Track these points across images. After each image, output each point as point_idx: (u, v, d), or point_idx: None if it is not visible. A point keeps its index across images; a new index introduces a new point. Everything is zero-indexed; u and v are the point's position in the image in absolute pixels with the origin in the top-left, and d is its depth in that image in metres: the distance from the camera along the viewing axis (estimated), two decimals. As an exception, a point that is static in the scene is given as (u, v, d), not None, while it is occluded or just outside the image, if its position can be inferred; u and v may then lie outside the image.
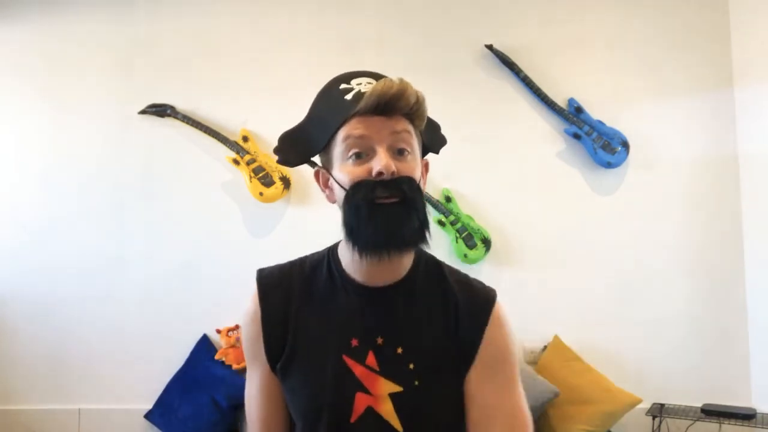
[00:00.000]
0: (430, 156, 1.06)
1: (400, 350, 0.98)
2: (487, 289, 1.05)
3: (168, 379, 2.78)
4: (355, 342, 0.98)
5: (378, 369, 0.97)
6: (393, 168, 0.90)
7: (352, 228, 0.92)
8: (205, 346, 2.81)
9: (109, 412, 2.84)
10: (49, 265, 2.90)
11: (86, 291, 2.88)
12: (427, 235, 0.94)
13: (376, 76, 0.96)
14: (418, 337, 0.99)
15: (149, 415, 2.76)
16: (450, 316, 1.00)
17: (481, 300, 1.02)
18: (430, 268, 1.05)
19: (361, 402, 0.96)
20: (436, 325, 1.00)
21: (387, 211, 0.90)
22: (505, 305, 1.03)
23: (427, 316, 1.00)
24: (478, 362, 0.99)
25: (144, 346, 2.85)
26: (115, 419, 2.82)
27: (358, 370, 0.96)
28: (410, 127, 0.94)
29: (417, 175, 0.94)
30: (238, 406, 2.64)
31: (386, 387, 0.96)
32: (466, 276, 1.07)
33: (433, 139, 1.04)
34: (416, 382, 0.96)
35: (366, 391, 0.96)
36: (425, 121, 0.97)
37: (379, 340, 0.98)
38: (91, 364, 2.86)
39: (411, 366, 0.97)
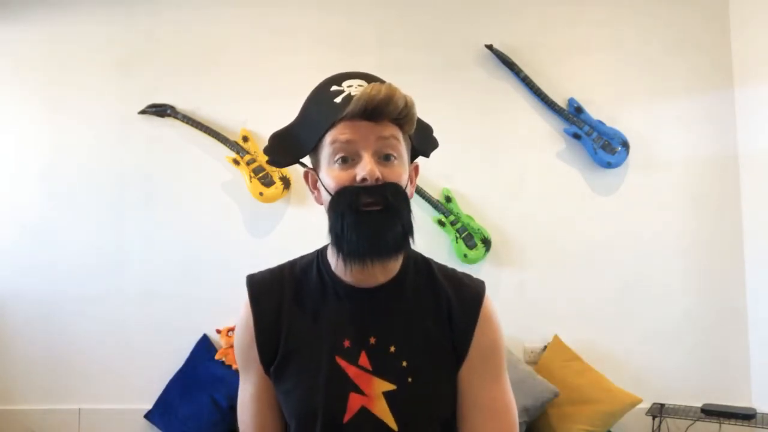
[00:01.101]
0: (429, 155, 1.06)
1: (392, 349, 0.98)
2: (475, 282, 1.06)
3: (168, 379, 2.78)
4: (347, 343, 0.98)
5: (371, 369, 0.97)
6: (377, 174, 0.90)
7: (337, 235, 0.93)
8: (205, 346, 2.81)
9: (109, 412, 2.84)
10: (48, 264, 2.90)
11: (86, 291, 2.88)
12: (411, 240, 0.95)
13: (369, 78, 0.96)
14: (410, 334, 0.99)
15: (149, 415, 2.76)
16: (442, 313, 1.01)
17: (472, 295, 1.03)
18: (420, 266, 1.06)
19: (354, 402, 0.96)
20: (427, 321, 1.01)
21: (370, 219, 0.91)
22: (491, 297, 1.04)
23: (418, 314, 1.01)
24: (470, 356, 1.00)
25: (144, 346, 2.85)
26: (115, 419, 2.82)
27: (351, 370, 0.97)
28: (398, 133, 0.94)
29: (403, 180, 0.95)
30: (237, 406, 2.65)
31: (380, 386, 0.96)
32: (454, 271, 1.08)
33: (423, 143, 1.04)
34: (410, 379, 0.97)
35: (360, 392, 0.96)
36: (414, 126, 0.97)
37: (371, 340, 0.98)
38: (91, 364, 2.86)
39: (404, 364, 0.97)
